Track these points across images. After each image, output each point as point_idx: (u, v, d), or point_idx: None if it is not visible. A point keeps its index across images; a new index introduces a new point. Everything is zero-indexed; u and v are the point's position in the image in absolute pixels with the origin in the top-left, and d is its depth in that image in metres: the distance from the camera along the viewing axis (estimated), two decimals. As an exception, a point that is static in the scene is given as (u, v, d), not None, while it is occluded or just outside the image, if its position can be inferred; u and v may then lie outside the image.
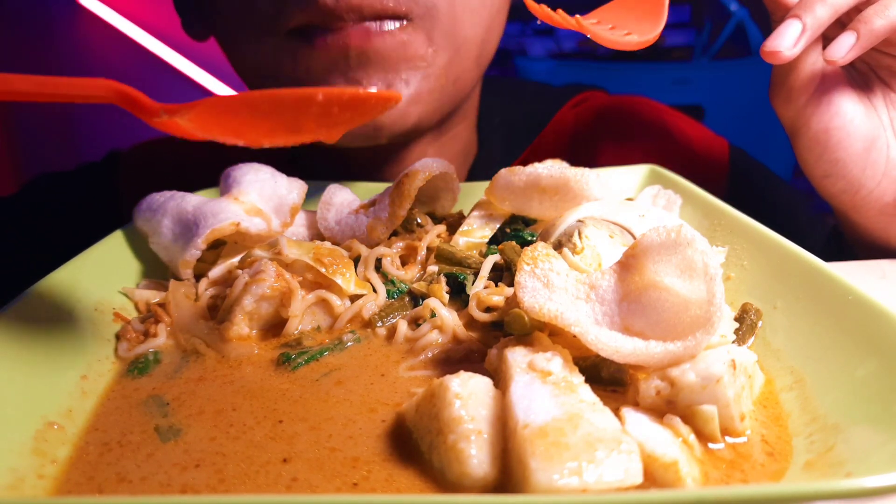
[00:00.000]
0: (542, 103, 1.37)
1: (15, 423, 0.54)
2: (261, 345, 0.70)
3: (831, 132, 0.87)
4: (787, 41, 0.78)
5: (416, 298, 0.75)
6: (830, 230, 1.10)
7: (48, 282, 0.69)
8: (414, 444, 0.53)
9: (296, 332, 0.71)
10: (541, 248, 0.62)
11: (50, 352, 0.63)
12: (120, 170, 1.38)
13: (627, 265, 0.59)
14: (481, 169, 1.27)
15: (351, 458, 0.52)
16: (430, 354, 0.67)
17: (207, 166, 0.95)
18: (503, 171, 0.87)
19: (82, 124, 3.57)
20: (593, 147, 1.33)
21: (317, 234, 0.91)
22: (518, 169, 0.86)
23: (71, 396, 0.60)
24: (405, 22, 0.96)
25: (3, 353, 0.58)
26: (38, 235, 1.06)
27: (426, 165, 0.87)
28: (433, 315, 0.70)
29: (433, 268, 0.78)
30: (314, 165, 1.19)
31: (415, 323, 0.72)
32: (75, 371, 0.63)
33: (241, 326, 0.70)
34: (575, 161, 1.04)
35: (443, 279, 0.76)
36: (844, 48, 0.78)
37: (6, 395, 0.55)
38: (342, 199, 0.91)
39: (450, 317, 0.70)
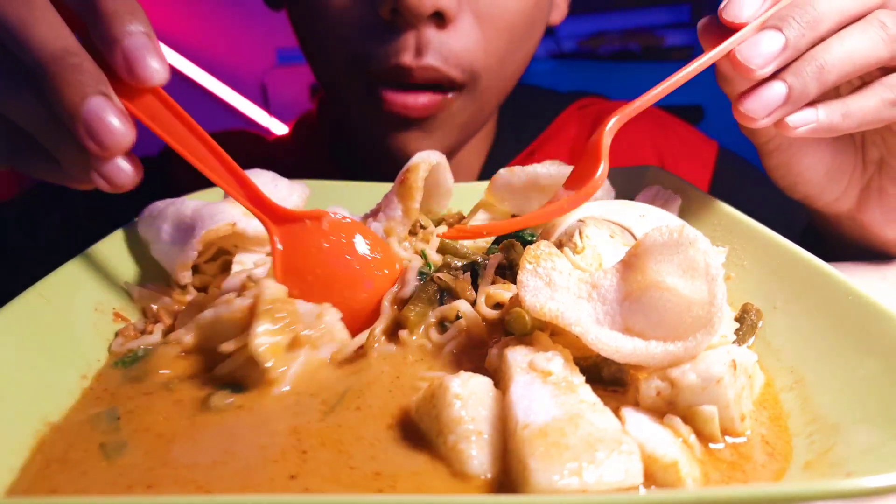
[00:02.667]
0: (547, 107, 1.42)
1: (15, 423, 0.54)
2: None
3: (792, 164, 0.87)
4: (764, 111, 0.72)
5: (441, 292, 0.71)
6: (806, 225, 1.12)
7: (48, 282, 0.69)
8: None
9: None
10: (543, 247, 0.62)
11: (50, 352, 0.63)
12: (175, 163, 1.45)
13: (630, 264, 0.59)
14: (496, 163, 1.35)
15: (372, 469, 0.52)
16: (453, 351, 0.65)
17: (254, 162, 0.99)
18: (502, 172, 0.87)
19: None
20: None
21: None
22: (517, 169, 0.86)
23: (71, 396, 0.60)
24: (452, 94, 1.13)
25: (2, 352, 0.58)
26: (102, 219, 1.09)
27: (424, 158, 0.86)
28: (458, 317, 0.67)
29: (457, 262, 0.75)
30: (356, 166, 1.29)
31: (440, 325, 0.68)
32: (75, 371, 0.63)
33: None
34: (573, 160, 1.08)
35: (468, 276, 0.72)
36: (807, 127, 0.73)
37: (6, 395, 0.55)
38: (343, 216, 0.91)
39: (477, 316, 0.66)
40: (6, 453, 0.51)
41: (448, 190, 0.93)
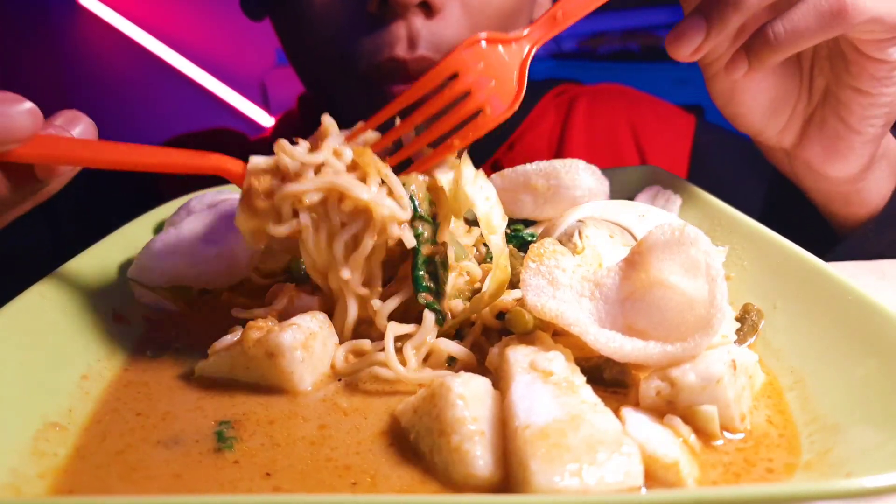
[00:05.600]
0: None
1: (15, 423, 0.54)
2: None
3: (736, 89, 0.86)
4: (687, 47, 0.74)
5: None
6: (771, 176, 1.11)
7: (48, 282, 0.69)
8: (412, 444, 0.53)
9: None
10: (548, 245, 0.62)
11: (50, 352, 0.63)
12: None
13: (633, 262, 0.59)
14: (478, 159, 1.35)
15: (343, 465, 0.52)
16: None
17: (237, 158, 0.98)
18: (494, 177, 0.88)
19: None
20: (569, 130, 1.40)
21: None
22: (508, 171, 0.87)
23: (71, 396, 0.60)
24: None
25: (3, 352, 0.58)
26: (85, 221, 1.08)
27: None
28: (452, 360, 0.65)
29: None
30: None
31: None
32: (75, 371, 0.63)
33: None
34: (552, 143, 1.18)
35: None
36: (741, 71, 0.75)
37: (6, 395, 0.55)
38: None
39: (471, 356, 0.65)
40: (6, 453, 0.51)
41: None
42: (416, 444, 0.53)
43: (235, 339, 0.65)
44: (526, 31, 0.71)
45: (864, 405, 0.51)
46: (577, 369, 0.55)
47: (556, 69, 3.44)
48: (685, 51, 0.74)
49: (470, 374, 0.54)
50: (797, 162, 0.92)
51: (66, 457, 0.54)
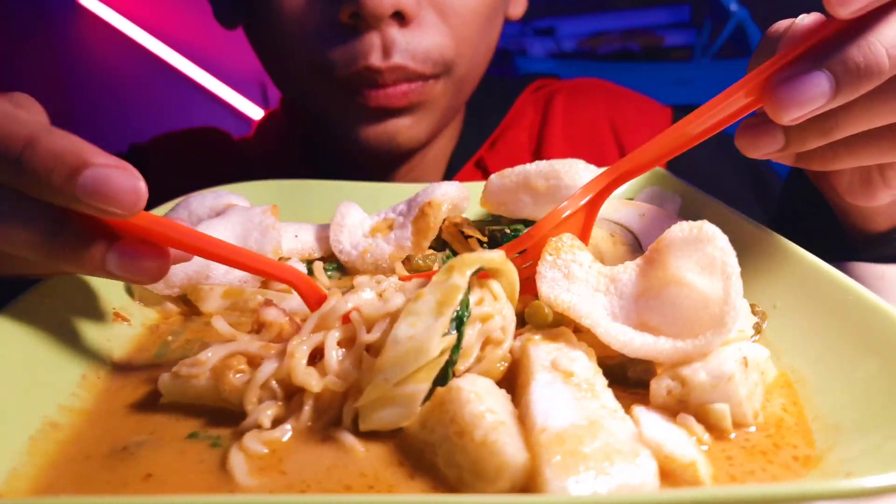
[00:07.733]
0: (505, 94, 1.47)
1: (14, 422, 0.54)
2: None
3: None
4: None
5: None
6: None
7: (48, 282, 0.69)
8: (425, 461, 0.50)
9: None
10: (566, 239, 0.62)
11: (50, 352, 0.62)
12: (146, 160, 1.45)
13: (651, 260, 0.59)
14: (462, 157, 1.38)
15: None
16: None
17: (220, 160, 0.97)
18: (493, 177, 0.88)
19: (83, 125, 3.57)
20: (549, 126, 1.42)
21: (328, 250, 0.88)
22: (507, 171, 0.86)
23: (71, 396, 0.60)
24: (432, 80, 1.12)
25: (3, 353, 0.58)
26: None
27: (446, 195, 0.85)
28: None
29: None
30: (327, 164, 1.24)
31: None
32: (75, 371, 0.63)
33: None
34: (532, 138, 1.21)
35: None
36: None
37: (6, 395, 0.55)
38: (353, 219, 0.88)
39: None
40: (6, 453, 0.51)
41: (463, 212, 0.92)
42: (429, 459, 0.50)
43: (205, 367, 0.59)
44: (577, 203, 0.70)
45: (864, 405, 0.51)
46: (600, 371, 0.54)
47: (556, 69, 3.44)
48: (756, 154, 0.67)
49: (474, 375, 0.54)
50: (823, 183, 0.91)
51: (65, 456, 0.54)
